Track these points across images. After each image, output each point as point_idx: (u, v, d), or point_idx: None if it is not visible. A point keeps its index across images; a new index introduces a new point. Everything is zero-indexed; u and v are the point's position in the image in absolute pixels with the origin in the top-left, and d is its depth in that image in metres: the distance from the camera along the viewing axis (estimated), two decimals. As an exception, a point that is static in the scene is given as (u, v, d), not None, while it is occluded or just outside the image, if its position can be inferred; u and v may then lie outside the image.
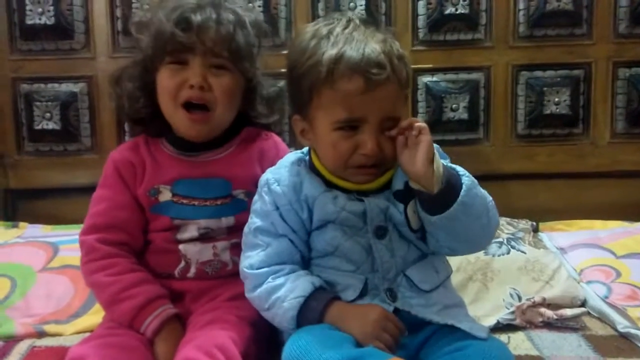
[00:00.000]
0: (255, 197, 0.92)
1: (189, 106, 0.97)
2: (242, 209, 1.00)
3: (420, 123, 0.81)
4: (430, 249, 0.88)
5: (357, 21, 0.85)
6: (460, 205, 0.79)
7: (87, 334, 0.95)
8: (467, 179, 0.81)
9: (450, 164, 0.85)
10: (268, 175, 0.90)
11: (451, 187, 0.79)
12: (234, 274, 0.98)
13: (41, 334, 1.07)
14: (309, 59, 0.83)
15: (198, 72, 0.96)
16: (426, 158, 0.79)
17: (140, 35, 1.01)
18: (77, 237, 1.04)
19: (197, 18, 0.95)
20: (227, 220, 1.00)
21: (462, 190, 0.79)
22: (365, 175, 0.85)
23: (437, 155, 0.81)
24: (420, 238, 0.88)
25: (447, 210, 0.79)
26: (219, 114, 0.99)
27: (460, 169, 0.83)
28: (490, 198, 0.85)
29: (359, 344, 0.77)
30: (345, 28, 0.84)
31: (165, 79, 0.98)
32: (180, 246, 0.98)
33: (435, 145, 0.83)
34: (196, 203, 1.00)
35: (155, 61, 0.99)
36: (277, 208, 0.87)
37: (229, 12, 0.99)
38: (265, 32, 1.09)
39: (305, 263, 0.90)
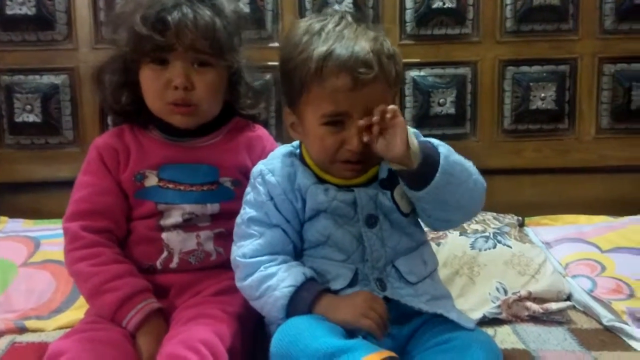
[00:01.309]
0: (248, 189, 0.92)
1: (176, 104, 0.97)
2: (228, 196, 1.00)
3: (391, 106, 0.81)
4: (426, 225, 0.90)
5: (350, 18, 0.87)
6: (443, 174, 0.81)
7: (69, 330, 0.93)
8: (442, 148, 0.83)
9: (424, 138, 0.87)
10: (261, 166, 0.91)
11: (429, 158, 0.81)
12: (218, 266, 0.98)
13: (22, 330, 1.05)
14: (300, 54, 0.84)
15: (180, 72, 0.95)
16: (402, 139, 0.80)
17: (117, 36, 0.99)
18: (58, 231, 1.02)
19: (174, 18, 0.93)
20: (212, 207, 0.99)
21: (441, 159, 0.81)
22: (351, 171, 0.87)
23: (409, 133, 0.82)
24: (413, 223, 0.90)
25: (432, 181, 0.80)
26: (204, 109, 0.99)
27: (434, 140, 0.85)
28: (471, 163, 0.87)
29: (347, 336, 0.77)
30: (337, 25, 0.85)
31: (149, 80, 0.97)
32: (163, 235, 0.97)
33: (413, 130, 0.85)
34: (182, 188, 0.99)
35: (136, 60, 0.98)
36: (272, 198, 0.88)
37: (206, 2, 0.97)
38: (246, 20, 1.08)
39: (298, 255, 0.90)
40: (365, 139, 0.82)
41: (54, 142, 1.44)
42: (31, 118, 1.43)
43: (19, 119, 1.43)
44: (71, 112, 1.44)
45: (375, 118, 0.80)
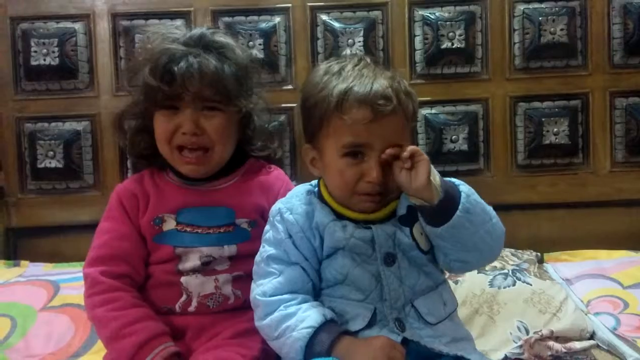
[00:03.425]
0: (267, 227, 0.94)
1: (182, 149, 1.00)
2: (245, 238, 1.01)
3: (415, 147, 0.84)
4: (441, 265, 0.90)
5: (368, 60, 0.91)
6: (463, 212, 0.81)
7: (88, 375, 0.94)
8: (464, 187, 0.85)
9: (445, 178, 0.88)
10: (280, 205, 0.93)
11: (450, 196, 0.82)
12: (236, 309, 0.98)
13: (40, 376, 1.05)
14: (320, 92, 0.87)
15: (189, 118, 0.99)
16: (426, 172, 0.82)
17: (132, 87, 1.05)
18: (78, 274, 1.03)
19: (180, 68, 0.96)
20: (230, 249, 1.00)
21: (462, 197, 0.82)
22: (371, 202, 0.88)
23: (432, 168, 0.83)
24: (432, 261, 0.90)
25: (451, 219, 0.81)
26: (218, 153, 1.02)
27: (456, 180, 0.87)
28: (490, 207, 0.88)
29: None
30: (355, 66, 0.89)
31: (160, 125, 1.01)
32: (182, 279, 0.98)
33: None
34: (200, 231, 1.01)
35: (150, 108, 1.02)
36: (290, 236, 0.89)
37: (214, 51, 1.01)
38: (257, 64, 1.11)
39: (316, 294, 0.90)
40: (384, 156, 0.83)
41: (75, 186, 1.47)
42: (53, 164, 1.47)
43: (41, 165, 1.47)
44: (92, 157, 1.47)
45: (406, 165, 0.82)
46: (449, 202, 0.82)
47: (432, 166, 0.84)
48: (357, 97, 0.84)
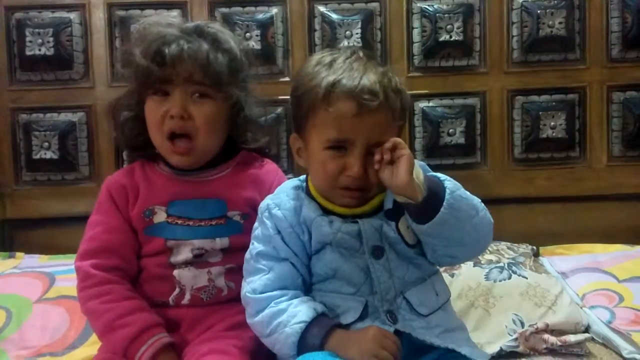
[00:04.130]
0: (256, 224, 0.93)
1: (173, 137, 0.99)
2: (237, 230, 1.00)
3: (394, 139, 0.83)
4: (430, 260, 0.90)
5: (361, 54, 0.90)
6: (448, 209, 0.81)
7: (83, 367, 0.94)
8: (449, 182, 0.84)
9: (432, 173, 0.87)
10: (268, 201, 0.92)
11: (434, 193, 0.82)
12: (230, 301, 0.98)
13: (35, 367, 1.05)
14: (310, 82, 0.87)
15: (178, 102, 0.98)
16: (407, 170, 0.81)
17: (125, 70, 1.04)
18: (73, 266, 1.03)
19: (171, 50, 0.96)
20: (222, 242, 1.00)
21: (446, 194, 0.81)
22: (351, 198, 0.87)
23: (416, 166, 0.83)
24: (420, 254, 0.89)
25: (436, 216, 0.80)
26: (202, 142, 1.00)
27: (441, 175, 0.86)
28: (479, 200, 0.87)
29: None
30: (347, 58, 0.88)
31: (150, 111, 1.00)
32: (175, 272, 0.98)
33: (420, 162, 0.86)
34: (191, 223, 1.00)
35: (141, 94, 1.01)
36: (279, 232, 0.89)
37: (208, 39, 1.00)
38: (252, 56, 1.10)
39: (307, 289, 0.90)
40: (376, 166, 0.83)
41: (70, 178, 1.47)
42: (48, 155, 1.46)
43: (36, 156, 1.46)
44: (87, 149, 1.46)
45: (386, 157, 0.82)
46: (433, 198, 0.81)
47: (416, 163, 0.83)
48: (344, 90, 0.84)
